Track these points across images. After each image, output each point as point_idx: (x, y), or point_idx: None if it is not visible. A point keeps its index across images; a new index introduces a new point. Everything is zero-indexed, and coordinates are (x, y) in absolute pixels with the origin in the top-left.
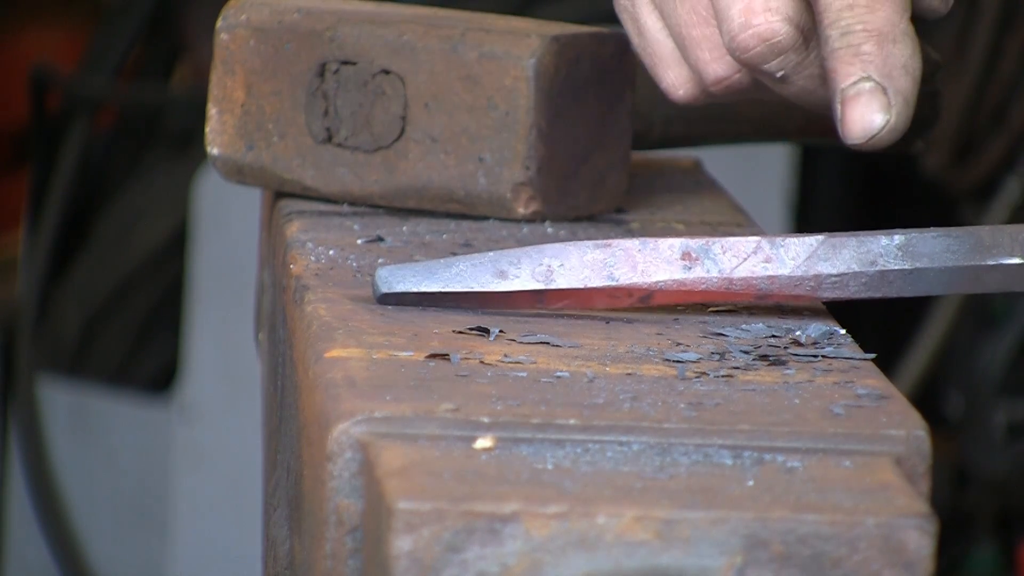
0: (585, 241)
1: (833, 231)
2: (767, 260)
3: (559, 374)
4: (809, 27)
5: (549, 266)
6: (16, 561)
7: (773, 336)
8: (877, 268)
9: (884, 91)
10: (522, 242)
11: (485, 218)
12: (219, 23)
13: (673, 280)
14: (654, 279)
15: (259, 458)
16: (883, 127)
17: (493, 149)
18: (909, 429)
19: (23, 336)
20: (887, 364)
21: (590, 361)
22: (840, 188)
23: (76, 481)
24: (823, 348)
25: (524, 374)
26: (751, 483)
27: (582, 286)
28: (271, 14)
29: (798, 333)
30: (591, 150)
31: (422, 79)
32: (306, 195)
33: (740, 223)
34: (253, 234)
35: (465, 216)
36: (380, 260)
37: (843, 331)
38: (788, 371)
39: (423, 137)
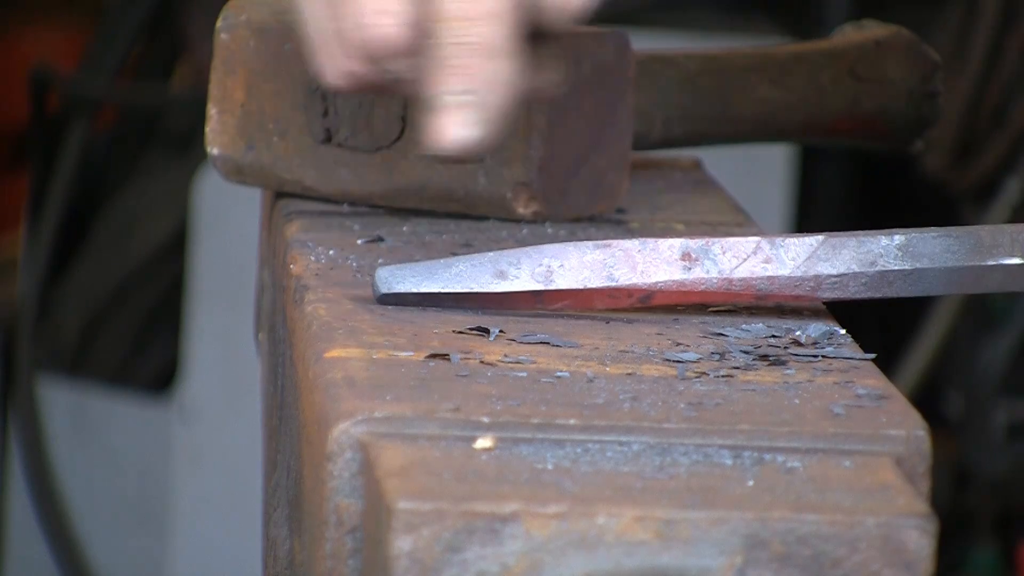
0: (585, 241)
1: (833, 231)
2: (767, 260)
3: (559, 374)
4: (423, 33)
5: (549, 266)
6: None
7: (773, 336)
8: (877, 268)
9: (478, 105)
10: (522, 242)
11: (485, 218)
12: (219, 23)
13: (673, 280)
14: (654, 279)
15: (259, 458)
16: (469, 140)
17: (493, 149)
18: (909, 429)
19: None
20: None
21: (590, 361)
22: (840, 188)
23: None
24: (823, 348)
25: (524, 374)
26: (751, 483)
27: (582, 287)
28: (271, 14)
29: (798, 333)
30: (591, 150)
31: None
32: (306, 195)
33: (740, 223)
34: (253, 234)
35: (465, 216)
36: (380, 260)
37: (843, 331)
38: (788, 371)
39: (423, 137)
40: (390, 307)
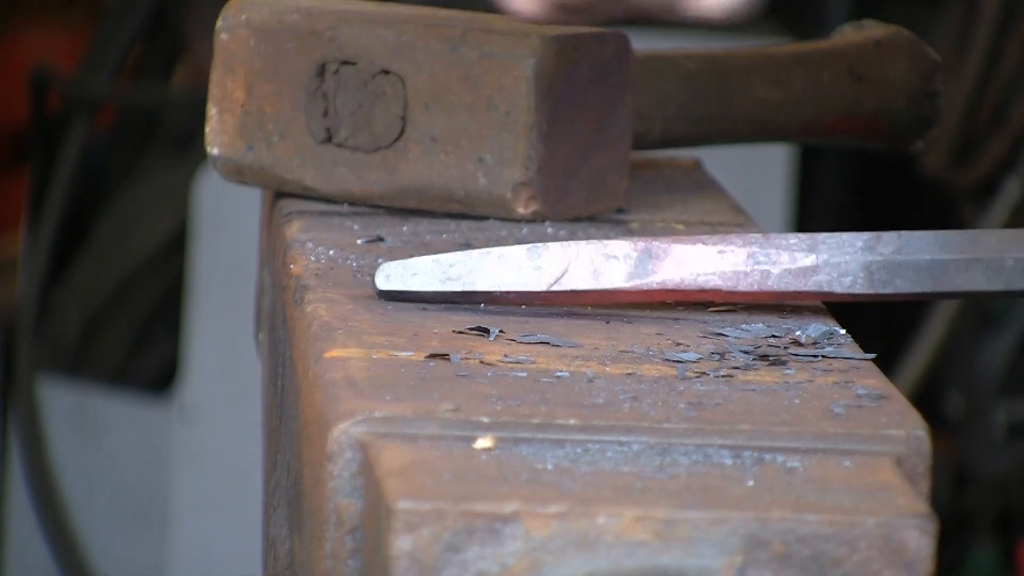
0: (588, 240)
1: (833, 231)
2: (766, 260)
3: (559, 374)
4: None
5: (553, 264)
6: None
7: (773, 336)
8: (877, 268)
9: None
10: (522, 242)
11: (485, 218)
12: (219, 23)
13: (670, 280)
14: (650, 279)
15: (259, 458)
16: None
17: (493, 149)
18: (909, 429)
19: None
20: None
21: (590, 361)
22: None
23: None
24: (823, 348)
25: (524, 374)
26: (751, 483)
27: (585, 286)
28: (271, 14)
29: (798, 333)
30: (591, 150)
31: (422, 79)
32: (306, 195)
33: (740, 223)
34: (253, 234)
35: (465, 216)
36: (380, 260)
37: (843, 331)
38: (788, 371)
39: (423, 137)
40: (390, 307)
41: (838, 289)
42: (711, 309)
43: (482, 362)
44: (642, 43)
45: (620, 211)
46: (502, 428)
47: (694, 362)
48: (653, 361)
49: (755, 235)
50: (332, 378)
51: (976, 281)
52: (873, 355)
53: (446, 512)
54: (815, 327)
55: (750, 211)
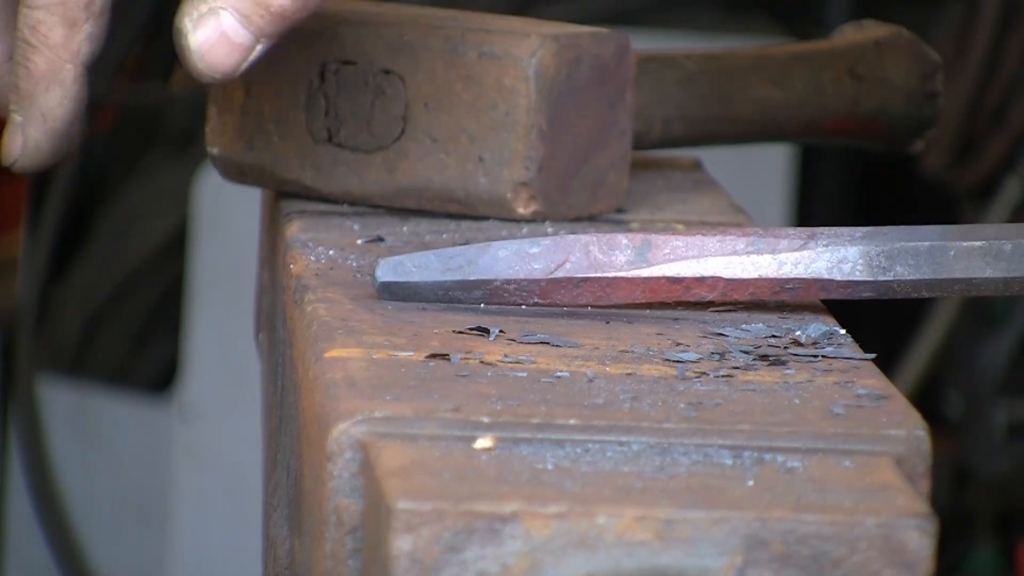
0: (590, 234)
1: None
2: (765, 247)
3: (559, 374)
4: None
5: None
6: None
7: (773, 336)
8: (876, 254)
9: (21, 130)
10: None
11: (485, 218)
12: None
13: (669, 268)
14: (650, 268)
15: (259, 458)
16: (15, 159)
17: (493, 149)
18: (909, 429)
19: (23, 336)
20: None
21: (590, 361)
22: (840, 188)
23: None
24: (823, 348)
25: (524, 374)
26: (751, 483)
27: (584, 275)
28: None
29: (798, 333)
30: (591, 150)
31: (422, 79)
32: (306, 195)
33: (740, 223)
34: (253, 234)
35: (465, 216)
36: (380, 260)
37: (843, 331)
38: (788, 371)
39: (423, 137)
40: (390, 307)
41: (838, 276)
42: (711, 309)
43: (482, 362)
44: (642, 43)
45: (620, 211)
46: (502, 428)
47: (694, 362)
48: (653, 361)
49: (755, 228)
50: (332, 378)
51: (976, 267)
52: (873, 355)
53: (446, 512)
54: (815, 327)
55: (750, 211)
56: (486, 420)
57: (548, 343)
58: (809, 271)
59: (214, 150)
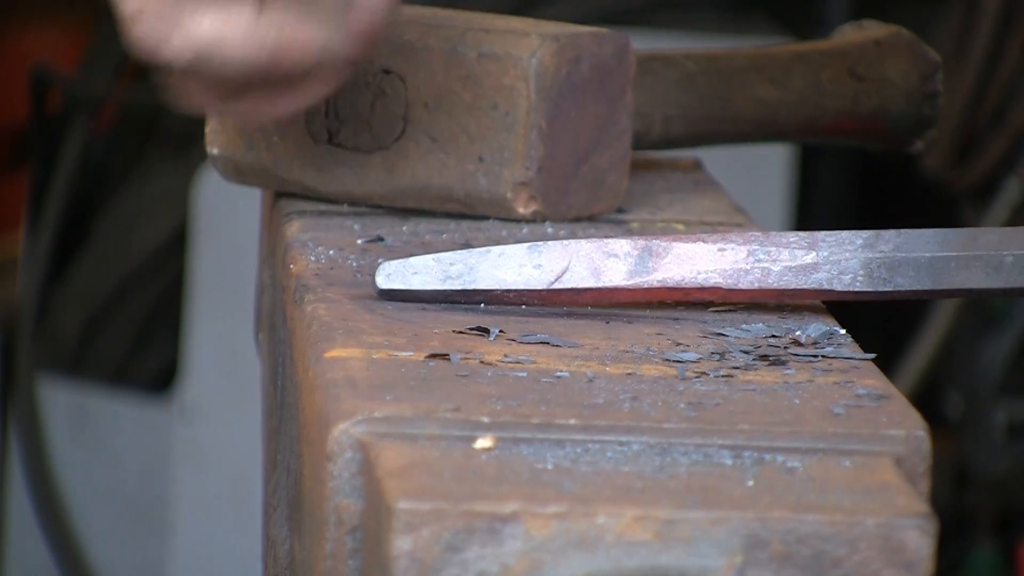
0: (591, 241)
1: (833, 230)
2: (766, 257)
3: (559, 374)
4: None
5: (554, 262)
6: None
7: (773, 336)
8: (877, 265)
9: None
10: (522, 242)
11: (485, 218)
12: None
13: (670, 278)
14: (650, 277)
15: (259, 458)
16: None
17: (493, 149)
18: (909, 429)
19: (23, 336)
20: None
21: (590, 361)
22: (840, 188)
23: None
24: (823, 348)
25: (524, 374)
26: (751, 483)
27: (584, 284)
28: None
29: (798, 333)
30: (591, 150)
31: (422, 79)
32: (306, 195)
33: (740, 223)
34: (253, 234)
35: (465, 216)
36: (380, 260)
37: (843, 331)
38: (788, 371)
39: (423, 137)
40: (390, 307)
41: (838, 287)
42: (711, 309)
43: (482, 362)
44: (642, 43)
45: (620, 211)
46: (502, 428)
47: (694, 362)
48: (653, 361)
49: (755, 233)
50: (332, 378)
51: (976, 278)
52: (873, 355)
53: (446, 512)
54: (815, 327)
55: (750, 211)
56: (486, 420)
57: (548, 343)
58: (810, 282)
59: (214, 150)
